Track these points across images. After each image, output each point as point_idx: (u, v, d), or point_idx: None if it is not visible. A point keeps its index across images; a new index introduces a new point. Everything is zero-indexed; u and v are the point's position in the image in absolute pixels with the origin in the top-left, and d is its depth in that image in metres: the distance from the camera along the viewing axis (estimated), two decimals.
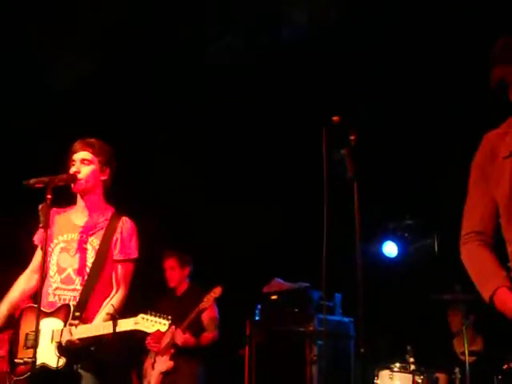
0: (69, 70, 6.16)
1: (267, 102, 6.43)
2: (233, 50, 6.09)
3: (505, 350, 2.35)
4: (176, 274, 5.78)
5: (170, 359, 5.42)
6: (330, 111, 2.81)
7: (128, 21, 5.82)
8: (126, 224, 3.69)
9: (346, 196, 2.71)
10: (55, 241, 3.65)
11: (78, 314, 3.42)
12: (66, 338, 3.36)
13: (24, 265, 3.79)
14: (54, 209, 3.70)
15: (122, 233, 3.65)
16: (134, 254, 3.66)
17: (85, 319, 3.44)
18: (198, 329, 5.49)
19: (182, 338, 5.37)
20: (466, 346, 4.32)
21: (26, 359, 3.38)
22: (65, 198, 3.75)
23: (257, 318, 6.34)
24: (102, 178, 3.69)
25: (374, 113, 5.84)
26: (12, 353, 3.50)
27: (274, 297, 6.42)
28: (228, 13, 5.85)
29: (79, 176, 3.60)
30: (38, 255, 3.72)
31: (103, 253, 3.59)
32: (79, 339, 3.34)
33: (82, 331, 3.36)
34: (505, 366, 2.29)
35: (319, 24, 5.73)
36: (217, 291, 5.39)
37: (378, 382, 4.79)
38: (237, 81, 6.29)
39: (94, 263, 3.57)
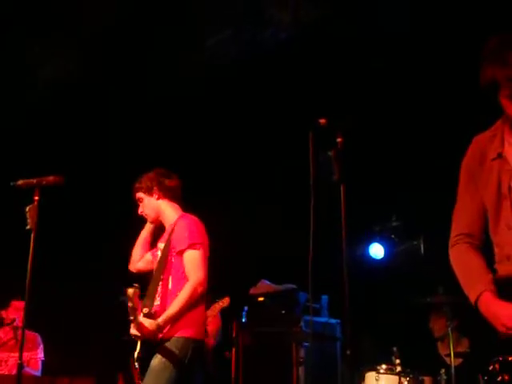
0: (57, 70, 6.13)
1: (254, 104, 6.43)
2: (219, 52, 6.08)
3: (490, 351, 2.35)
4: None
5: None
6: (317, 114, 2.81)
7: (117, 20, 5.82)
8: (181, 220, 3.91)
9: (333, 198, 2.71)
10: None
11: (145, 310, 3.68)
12: None
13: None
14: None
15: (177, 227, 3.87)
16: (190, 241, 3.79)
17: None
18: None
19: None
20: (451, 347, 4.35)
21: None
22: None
23: (244, 320, 6.34)
24: (155, 197, 4.01)
25: (361, 114, 5.86)
26: None
27: (260, 298, 6.42)
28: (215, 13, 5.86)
29: (144, 214, 4.08)
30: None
31: (165, 252, 3.85)
32: None
33: None
34: (490, 367, 2.30)
35: (304, 24, 5.74)
36: (225, 301, 5.55)
37: (364, 383, 4.79)
38: (225, 82, 6.29)
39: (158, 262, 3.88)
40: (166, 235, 3.97)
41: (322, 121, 2.78)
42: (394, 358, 4.73)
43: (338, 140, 2.69)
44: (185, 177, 6.82)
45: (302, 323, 5.81)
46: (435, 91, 5.73)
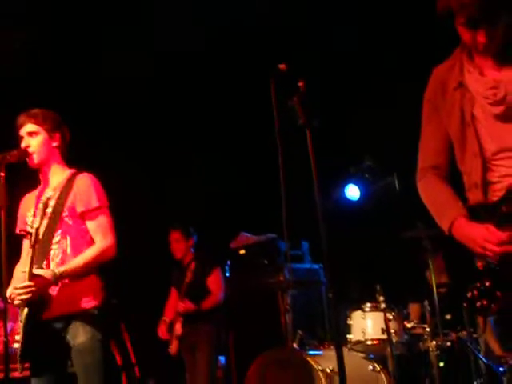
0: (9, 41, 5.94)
1: (215, 53, 6.34)
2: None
3: (468, 278, 2.38)
4: (181, 246, 5.93)
5: (182, 326, 5.68)
6: (276, 59, 2.77)
7: None
8: (83, 178, 3.57)
9: (303, 143, 2.69)
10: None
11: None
12: None
13: None
14: (24, 196, 3.67)
15: (77, 185, 3.52)
16: (100, 202, 3.52)
17: None
18: (199, 295, 5.68)
19: (181, 306, 5.67)
20: (433, 278, 4.42)
21: None
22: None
23: (227, 275, 6.38)
24: (54, 144, 3.58)
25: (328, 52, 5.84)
26: None
27: (242, 251, 6.46)
28: None
29: (30, 150, 3.51)
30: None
31: (57, 212, 3.45)
32: None
33: None
34: (469, 294, 2.33)
35: None
36: None
37: (351, 322, 4.87)
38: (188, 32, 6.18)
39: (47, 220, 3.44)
40: (50, 190, 3.53)
41: (282, 66, 2.74)
42: (377, 295, 4.80)
43: (300, 84, 2.65)
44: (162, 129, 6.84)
45: (285, 271, 5.87)
46: (398, 24, 5.71)
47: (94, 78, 6.32)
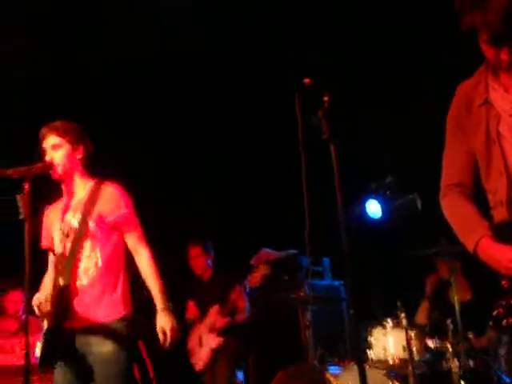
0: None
1: (238, 69, 6.36)
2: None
3: (493, 295, 2.37)
4: (201, 262, 5.94)
5: (218, 336, 5.62)
6: (301, 74, 2.78)
7: None
8: (109, 187, 3.58)
9: (326, 159, 2.69)
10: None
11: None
12: None
13: None
14: (48, 207, 3.69)
15: (104, 194, 3.54)
16: (129, 210, 3.53)
17: None
18: (230, 309, 5.67)
19: (222, 321, 5.62)
20: (455, 294, 4.38)
21: None
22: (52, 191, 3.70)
23: (248, 291, 6.36)
24: (78, 156, 3.59)
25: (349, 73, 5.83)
26: None
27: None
28: None
29: (55, 162, 3.52)
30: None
31: (83, 224, 3.45)
32: None
33: None
34: (495, 312, 2.31)
35: None
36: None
37: (372, 339, 4.82)
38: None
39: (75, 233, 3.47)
40: (75, 202, 3.55)
41: (307, 81, 2.74)
42: (399, 312, 4.76)
43: (325, 99, 2.65)
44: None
45: (305, 287, 5.84)
46: (421, 42, 5.70)
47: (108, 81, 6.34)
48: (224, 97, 6.61)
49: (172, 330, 3.40)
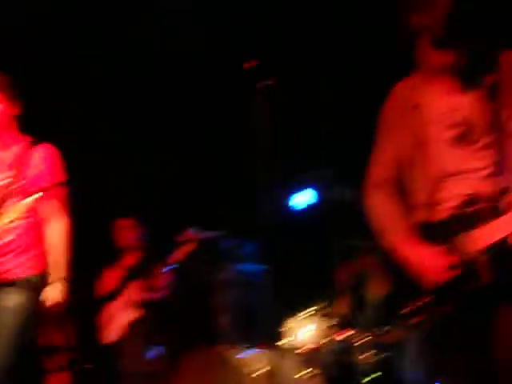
0: None
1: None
2: None
3: (408, 293, 2.41)
4: (130, 234, 5.87)
5: (136, 310, 5.62)
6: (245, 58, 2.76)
7: None
8: (43, 150, 3.45)
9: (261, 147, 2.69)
10: None
11: None
12: None
13: None
14: None
15: (37, 158, 3.40)
16: (60, 176, 3.42)
17: None
18: (150, 285, 5.69)
19: (147, 294, 5.64)
20: (370, 288, 4.49)
21: None
22: None
23: (169, 268, 6.32)
24: (14, 113, 3.43)
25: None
26: None
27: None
28: None
29: None
30: None
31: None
32: None
33: None
34: (404, 310, 2.36)
35: None
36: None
37: (287, 327, 4.90)
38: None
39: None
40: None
41: (247, 65, 2.74)
42: (319, 301, 4.85)
43: (269, 82, 2.64)
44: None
45: (227, 270, 5.87)
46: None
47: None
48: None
49: (57, 304, 3.31)
